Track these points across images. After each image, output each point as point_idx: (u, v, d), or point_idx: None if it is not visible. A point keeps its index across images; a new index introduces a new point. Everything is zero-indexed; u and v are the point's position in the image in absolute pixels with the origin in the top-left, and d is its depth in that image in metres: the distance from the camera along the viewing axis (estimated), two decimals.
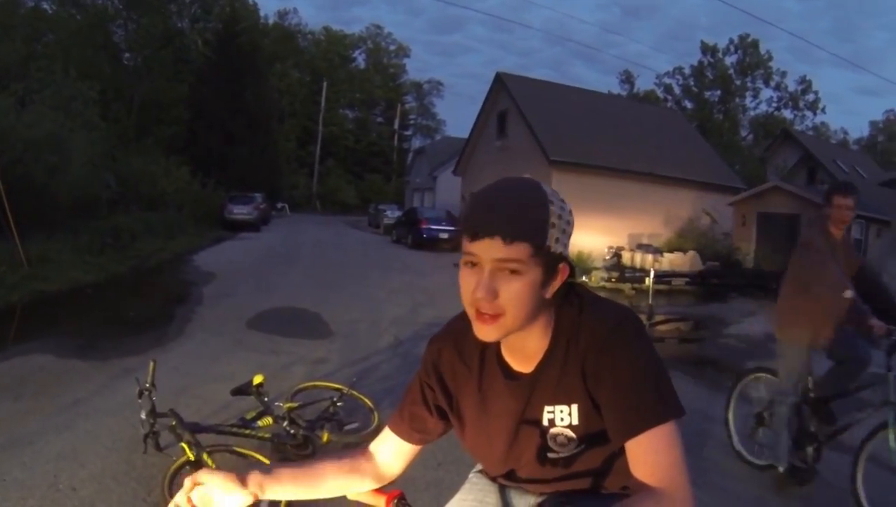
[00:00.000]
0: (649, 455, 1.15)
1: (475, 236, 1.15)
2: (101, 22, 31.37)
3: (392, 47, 76.10)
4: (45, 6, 30.70)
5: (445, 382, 1.44)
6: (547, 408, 1.31)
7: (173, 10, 35.68)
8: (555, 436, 1.31)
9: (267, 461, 3.56)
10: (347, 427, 4.57)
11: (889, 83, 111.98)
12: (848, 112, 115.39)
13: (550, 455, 1.34)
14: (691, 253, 17.82)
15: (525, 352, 1.31)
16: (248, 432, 3.96)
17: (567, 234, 1.22)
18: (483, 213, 1.16)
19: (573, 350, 1.26)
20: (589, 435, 1.29)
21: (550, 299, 1.25)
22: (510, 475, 1.44)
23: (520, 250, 1.13)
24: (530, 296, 1.17)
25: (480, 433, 1.41)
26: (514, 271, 1.15)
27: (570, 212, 1.24)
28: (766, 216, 18.72)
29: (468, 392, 1.41)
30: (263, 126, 40.19)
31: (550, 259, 1.19)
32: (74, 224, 14.79)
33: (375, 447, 1.49)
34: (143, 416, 3.55)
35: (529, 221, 1.16)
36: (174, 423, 3.49)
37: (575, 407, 1.28)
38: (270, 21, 65.66)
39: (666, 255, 17.63)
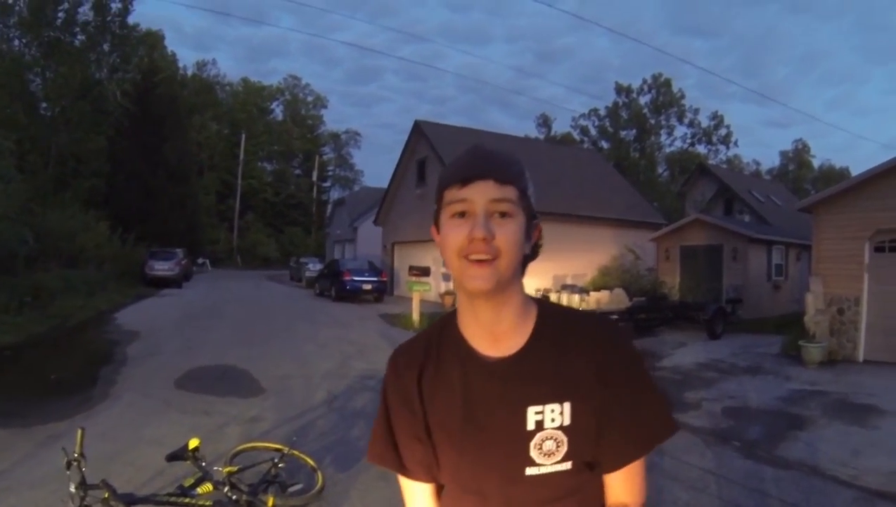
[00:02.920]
0: (639, 476, 1.22)
1: (467, 181, 1.17)
2: (17, 70, 30.34)
3: (310, 98, 76.05)
4: None
5: (412, 393, 1.31)
6: (534, 408, 1.20)
7: (92, 59, 34.82)
8: (540, 443, 1.19)
9: None
10: (291, 489, 4.40)
11: (796, 114, 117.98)
12: (757, 144, 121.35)
13: (529, 471, 1.20)
14: (617, 290, 18.06)
15: (496, 330, 1.24)
16: (187, 500, 3.74)
17: (534, 196, 1.26)
18: (474, 160, 1.21)
19: (576, 342, 1.24)
20: (578, 444, 1.20)
21: (525, 265, 1.25)
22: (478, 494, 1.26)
23: (511, 192, 1.18)
24: (521, 240, 1.19)
25: (442, 430, 1.28)
26: (505, 214, 1.17)
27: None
28: (688, 249, 19.22)
29: (427, 383, 1.30)
30: (183, 179, 39.54)
31: (531, 209, 1.23)
32: None
33: None
34: (72, 489, 3.34)
35: (514, 167, 1.22)
36: (107, 495, 3.30)
37: (567, 405, 1.20)
38: (189, 72, 65.06)
39: (592, 294, 17.81)
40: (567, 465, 1.19)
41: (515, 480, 1.21)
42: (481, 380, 1.24)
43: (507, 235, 1.15)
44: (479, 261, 1.15)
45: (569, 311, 1.31)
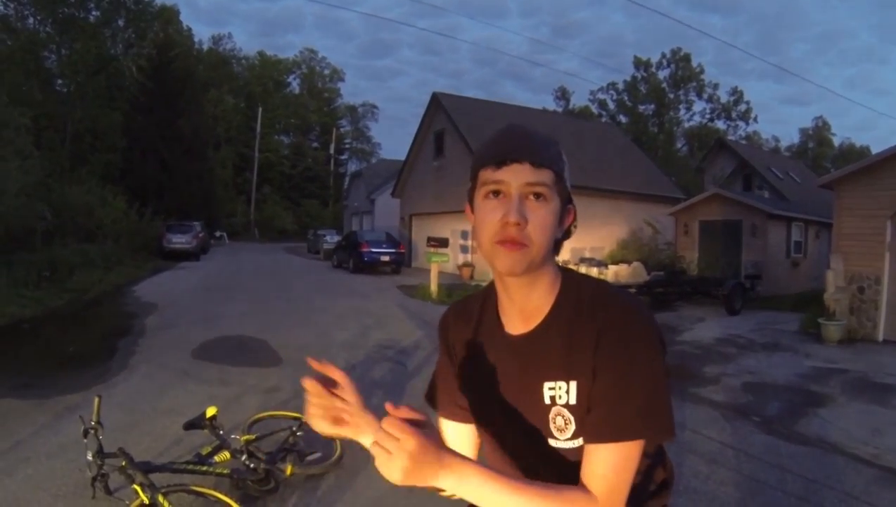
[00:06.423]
0: (608, 469, 1.11)
1: (502, 163, 1.16)
2: (32, 47, 30.35)
3: (326, 71, 75.73)
4: None
5: (452, 347, 1.43)
6: (548, 384, 1.22)
7: (107, 35, 34.77)
8: (554, 418, 1.21)
9: (228, 500, 3.38)
10: (309, 458, 4.40)
11: (814, 92, 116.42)
12: (775, 121, 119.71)
13: (552, 443, 1.23)
14: (635, 264, 18.00)
15: (526, 308, 1.26)
16: (205, 468, 3.76)
17: (569, 179, 1.25)
18: (510, 140, 1.19)
19: (586, 320, 1.19)
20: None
21: (559, 246, 1.25)
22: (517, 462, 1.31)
23: (546, 175, 1.16)
24: (553, 225, 1.18)
25: (474, 393, 1.37)
26: (539, 197, 1.16)
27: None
28: (707, 224, 19.04)
29: (462, 345, 1.39)
30: (199, 153, 39.59)
31: (566, 192, 1.23)
32: (9, 257, 14.29)
33: None
34: (89, 457, 3.35)
35: (551, 149, 1.20)
36: (124, 463, 3.30)
37: (574, 384, 1.19)
38: (205, 47, 65.02)
39: (611, 267, 17.77)
40: (578, 441, 1.19)
41: (540, 450, 1.25)
42: (507, 355, 1.29)
43: (540, 220, 1.15)
44: (512, 245, 1.15)
45: (591, 284, 1.26)
